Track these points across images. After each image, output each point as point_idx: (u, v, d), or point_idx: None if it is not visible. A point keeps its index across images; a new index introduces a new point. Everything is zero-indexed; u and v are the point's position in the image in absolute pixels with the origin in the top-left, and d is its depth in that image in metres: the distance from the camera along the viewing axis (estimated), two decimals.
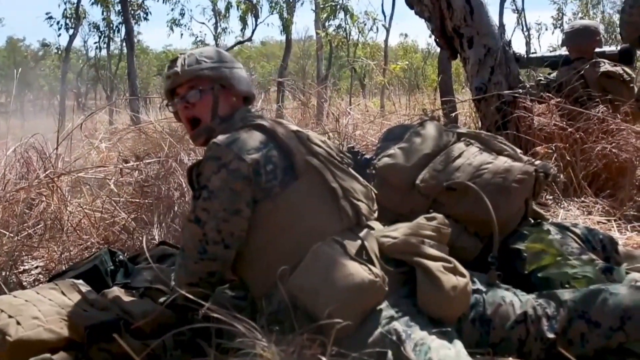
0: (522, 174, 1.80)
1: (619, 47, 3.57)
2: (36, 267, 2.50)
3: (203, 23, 18.70)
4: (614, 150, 2.95)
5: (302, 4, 16.21)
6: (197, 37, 18.15)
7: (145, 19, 13.95)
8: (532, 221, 1.89)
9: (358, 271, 1.35)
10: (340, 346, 1.22)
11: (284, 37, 12.30)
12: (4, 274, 2.25)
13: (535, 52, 3.85)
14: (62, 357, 1.44)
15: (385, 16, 13.91)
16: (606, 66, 3.38)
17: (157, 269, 1.80)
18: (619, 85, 3.36)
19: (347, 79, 16.54)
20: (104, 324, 1.51)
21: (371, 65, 8.57)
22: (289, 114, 5.32)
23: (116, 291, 1.70)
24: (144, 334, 1.53)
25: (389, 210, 1.76)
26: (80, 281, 1.73)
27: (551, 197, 2.89)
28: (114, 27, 14.94)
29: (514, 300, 1.46)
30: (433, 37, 3.46)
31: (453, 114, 3.93)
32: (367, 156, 2.10)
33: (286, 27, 11.91)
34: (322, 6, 12.45)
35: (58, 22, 13.69)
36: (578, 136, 3.04)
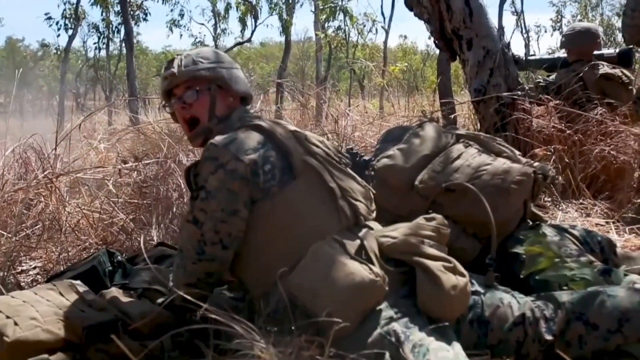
0: (521, 176, 1.80)
1: (617, 50, 3.58)
2: (34, 268, 2.49)
3: (202, 24, 18.70)
4: (612, 152, 2.95)
5: (301, 5, 16.27)
6: (197, 38, 18.16)
7: (145, 19, 13.96)
8: (531, 223, 1.89)
9: (358, 270, 1.35)
10: (339, 346, 1.22)
11: (283, 39, 12.34)
12: (1, 274, 2.24)
13: (534, 54, 3.85)
14: (60, 357, 1.43)
15: (384, 18, 13.96)
16: (605, 68, 3.38)
17: (155, 269, 1.80)
18: (618, 88, 3.36)
19: (346, 80, 16.56)
20: (101, 325, 1.51)
21: (370, 66, 8.57)
22: (288, 115, 5.31)
23: (114, 292, 1.70)
24: (142, 335, 1.53)
25: (388, 211, 1.76)
26: (78, 282, 1.73)
27: (549, 199, 2.89)
28: (114, 28, 14.96)
29: (512, 302, 1.46)
30: (432, 38, 3.47)
31: (452, 116, 3.93)
32: (366, 157, 2.10)
33: (285, 29, 11.93)
34: (321, 7, 12.46)
35: (57, 23, 13.70)
36: (577, 138, 3.04)
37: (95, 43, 16.12)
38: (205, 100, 1.66)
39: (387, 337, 1.29)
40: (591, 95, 3.27)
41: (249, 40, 14.60)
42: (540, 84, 3.56)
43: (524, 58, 3.63)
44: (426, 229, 1.48)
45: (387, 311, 1.35)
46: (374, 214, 1.60)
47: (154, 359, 1.50)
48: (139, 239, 2.50)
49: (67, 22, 13.64)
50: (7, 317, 1.47)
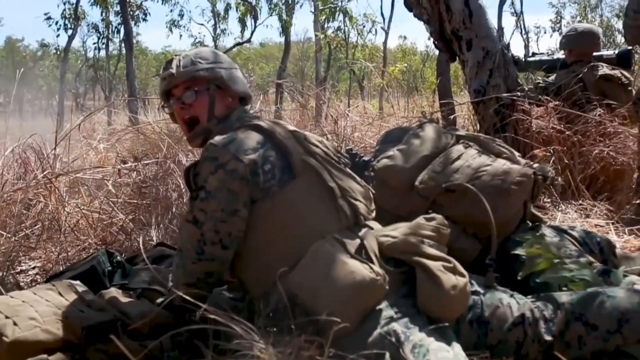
0: (521, 177, 1.80)
1: (616, 51, 3.58)
2: (33, 268, 2.49)
3: (202, 24, 18.63)
4: (611, 153, 2.95)
5: (301, 6, 16.28)
6: (196, 38, 18.15)
7: (144, 19, 13.94)
8: (530, 224, 1.89)
9: (359, 269, 1.35)
10: (339, 346, 1.22)
11: (283, 39, 12.33)
12: (1, 274, 2.24)
13: (533, 55, 3.85)
14: (59, 357, 1.43)
15: (384, 18, 13.95)
16: (604, 69, 3.39)
17: (154, 269, 1.80)
18: (617, 89, 3.37)
19: (346, 81, 16.56)
20: (101, 325, 1.51)
21: (370, 67, 8.57)
22: (287, 116, 5.31)
23: (113, 292, 1.70)
24: (141, 335, 1.53)
25: (387, 211, 1.76)
26: (78, 282, 1.73)
27: (549, 200, 2.89)
28: (113, 28, 14.94)
29: (512, 303, 1.46)
30: (432, 39, 3.46)
31: (451, 117, 3.93)
32: (366, 158, 2.10)
33: (285, 29, 11.92)
34: (321, 8, 12.46)
35: (57, 23, 13.68)
36: (576, 139, 3.04)
37: (94, 43, 16.14)
38: (204, 100, 1.66)
39: (387, 337, 1.29)
40: (590, 96, 3.27)
41: (248, 40, 14.60)
42: (540, 84, 3.56)
43: (523, 59, 3.64)
44: (426, 229, 1.48)
45: (387, 311, 1.35)
46: (373, 214, 1.60)
47: (153, 359, 1.50)
48: (138, 239, 2.49)
49: (66, 22, 13.63)
50: (6, 317, 1.47)
